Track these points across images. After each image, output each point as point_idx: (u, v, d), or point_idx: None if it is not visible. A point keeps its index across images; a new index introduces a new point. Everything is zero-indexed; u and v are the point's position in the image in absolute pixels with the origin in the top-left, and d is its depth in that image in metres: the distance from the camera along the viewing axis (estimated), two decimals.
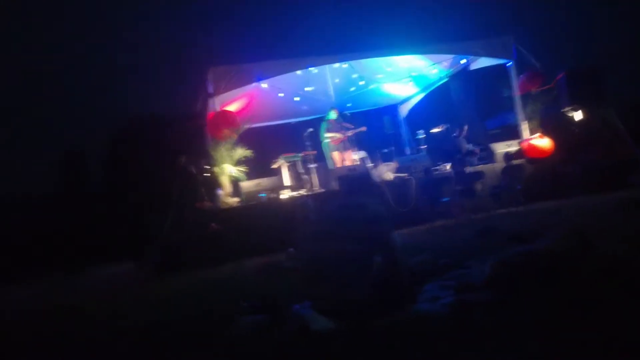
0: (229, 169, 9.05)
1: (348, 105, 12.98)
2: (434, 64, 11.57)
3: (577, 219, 5.39)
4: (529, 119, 10.19)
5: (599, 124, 9.32)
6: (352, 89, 12.33)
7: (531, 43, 10.52)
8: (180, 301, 4.58)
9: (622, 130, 9.34)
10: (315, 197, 8.71)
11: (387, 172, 9.77)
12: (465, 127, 9.40)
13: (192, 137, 8.09)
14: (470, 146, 10.09)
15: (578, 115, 9.33)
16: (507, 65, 10.52)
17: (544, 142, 9.61)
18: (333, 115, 10.86)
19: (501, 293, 2.69)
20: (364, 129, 10.98)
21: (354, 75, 11.65)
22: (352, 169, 9.53)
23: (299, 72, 10.17)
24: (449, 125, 10.99)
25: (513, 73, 10.44)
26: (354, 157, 10.86)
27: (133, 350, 2.91)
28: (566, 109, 9.36)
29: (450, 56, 11.10)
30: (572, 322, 2.09)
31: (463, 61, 11.33)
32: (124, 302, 5.27)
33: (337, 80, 11.41)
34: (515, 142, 10.12)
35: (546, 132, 9.88)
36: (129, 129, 8.34)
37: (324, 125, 10.91)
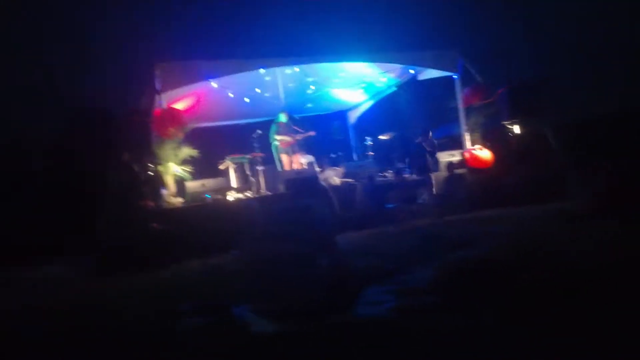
0: (174, 168, 8.82)
1: (308, 105, 13.00)
2: (383, 73, 11.78)
3: (516, 229, 5.61)
4: (471, 130, 10.57)
5: (536, 138, 9.78)
6: (308, 91, 12.33)
7: (476, 58, 10.91)
8: (119, 303, 4.38)
9: (556, 145, 9.85)
10: (261, 199, 8.64)
11: (334, 177, 9.85)
12: (430, 133, 9.67)
13: (137, 134, 7.80)
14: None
15: (516, 129, 9.76)
16: (454, 77, 10.87)
17: (484, 154, 9.99)
18: (283, 118, 10.87)
19: (443, 298, 2.76)
20: (312, 133, 11.04)
21: (306, 80, 11.67)
22: (299, 172, 9.54)
23: (249, 72, 10.07)
24: (395, 133, 11.24)
25: (458, 86, 10.79)
26: (302, 160, 10.89)
27: (71, 351, 2.77)
28: (506, 122, 9.77)
29: (399, 66, 11.33)
30: (511, 326, 2.17)
31: (412, 71, 11.60)
32: (60, 303, 5.00)
33: (290, 85, 11.39)
34: (458, 152, 10.47)
35: (487, 143, 10.28)
36: (69, 121, 7.91)
37: (273, 128, 10.89)
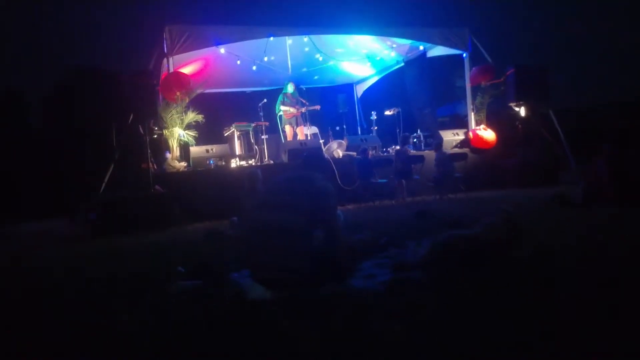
0: (178, 132, 8.87)
1: (315, 77, 12.92)
2: (392, 47, 11.67)
3: (510, 210, 5.67)
4: (477, 110, 10.54)
5: (540, 122, 9.77)
6: (316, 63, 12.22)
7: (486, 37, 10.80)
8: (114, 262, 4.48)
9: (558, 130, 9.85)
10: (264, 168, 8.70)
11: (337, 149, 9.88)
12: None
13: (143, 96, 7.79)
14: None
15: (522, 111, 9.73)
16: (463, 56, 10.77)
17: (488, 134, 9.98)
18: (290, 88, 10.76)
19: (434, 273, 2.83)
20: (318, 107, 10.96)
21: (313, 51, 11.58)
22: (302, 143, 9.56)
23: (258, 41, 10.00)
24: (400, 109, 11.21)
25: (467, 64, 10.70)
26: (306, 132, 10.85)
27: (64, 307, 2.86)
28: (512, 104, 9.73)
29: (409, 41, 11.21)
30: (498, 301, 2.25)
31: (421, 47, 11.48)
32: (57, 258, 5.12)
33: (296, 54, 11.31)
34: (461, 131, 10.46)
35: (491, 124, 10.26)
36: (76, 77, 7.87)
37: (280, 98, 10.81)
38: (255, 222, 3.02)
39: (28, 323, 2.63)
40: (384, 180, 8.53)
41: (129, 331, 2.28)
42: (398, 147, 9.01)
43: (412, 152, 9.43)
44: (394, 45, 11.53)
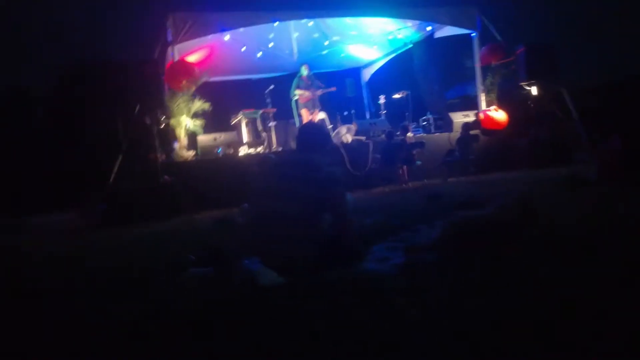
0: (185, 121, 8.84)
1: (322, 62, 12.79)
2: (399, 29, 11.49)
3: (524, 190, 5.59)
4: (487, 90, 10.38)
5: (552, 101, 9.60)
6: (322, 47, 12.09)
7: (495, 15, 10.60)
8: (126, 252, 4.48)
9: (571, 109, 9.67)
10: (273, 154, 8.66)
11: (346, 134, 9.80)
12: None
13: (148, 86, 7.76)
14: None
15: (533, 91, 9.56)
16: (471, 35, 10.58)
17: (499, 115, 9.83)
18: (304, 71, 10.59)
19: (446, 254, 2.79)
20: (334, 89, 10.80)
21: (319, 35, 11.44)
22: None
23: (262, 26, 9.89)
24: (409, 92, 11.07)
25: (476, 44, 10.52)
26: (321, 116, 10.67)
27: (75, 298, 2.85)
28: (523, 83, 9.56)
29: (416, 22, 11.03)
30: (511, 282, 2.20)
31: (429, 28, 11.29)
32: (67, 250, 5.14)
33: (301, 38, 11.18)
34: (472, 112, 10.31)
35: (502, 104, 10.10)
36: (81, 70, 7.83)
37: (294, 82, 10.65)
38: (264, 209, 2.99)
39: (39, 310, 2.63)
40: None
41: (141, 317, 2.27)
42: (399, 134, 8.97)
43: (411, 135, 9.31)
44: (401, 27, 11.35)
